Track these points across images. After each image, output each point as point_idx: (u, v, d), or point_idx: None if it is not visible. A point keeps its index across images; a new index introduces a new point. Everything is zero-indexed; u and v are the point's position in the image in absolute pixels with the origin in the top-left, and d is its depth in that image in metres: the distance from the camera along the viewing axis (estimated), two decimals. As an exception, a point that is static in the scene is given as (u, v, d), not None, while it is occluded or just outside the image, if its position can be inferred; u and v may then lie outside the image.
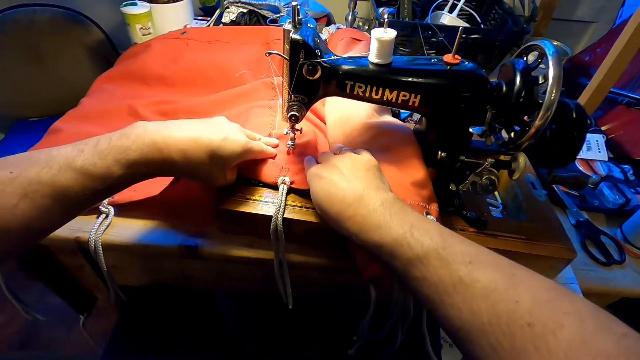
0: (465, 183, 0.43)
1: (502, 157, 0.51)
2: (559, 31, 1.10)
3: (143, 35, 0.79)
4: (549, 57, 0.38)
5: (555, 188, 0.57)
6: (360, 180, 0.36)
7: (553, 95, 0.37)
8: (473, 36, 0.81)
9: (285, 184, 0.46)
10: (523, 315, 0.25)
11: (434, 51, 0.81)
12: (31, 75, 1.08)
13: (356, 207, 0.34)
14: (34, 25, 1.04)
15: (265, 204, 0.45)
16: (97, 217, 0.47)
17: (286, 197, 0.45)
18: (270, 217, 0.43)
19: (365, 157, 0.40)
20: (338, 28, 0.90)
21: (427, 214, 0.42)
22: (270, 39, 0.79)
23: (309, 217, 0.44)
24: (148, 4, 0.78)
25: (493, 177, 0.42)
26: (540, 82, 0.39)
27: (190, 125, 0.38)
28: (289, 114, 0.43)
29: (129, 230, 0.47)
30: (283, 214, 0.43)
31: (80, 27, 1.06)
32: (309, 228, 0.44)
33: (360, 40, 0.77)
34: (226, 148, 0.39)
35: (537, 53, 0.41)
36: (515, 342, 0.24)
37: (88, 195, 0.32)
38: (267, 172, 0.47)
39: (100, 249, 0.45)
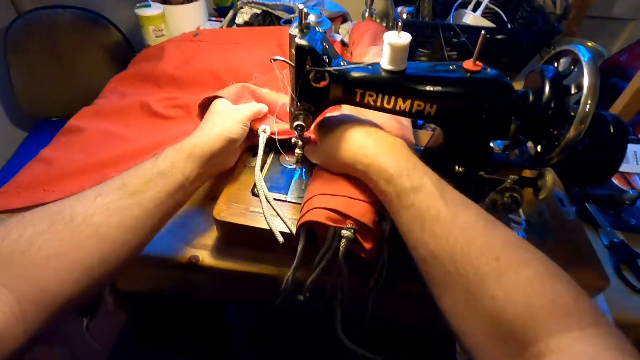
0: (484, 201, 0.39)
1: (527, 173, 0.47)
2: (593, 30, 1.03)
3: (156, 37, 0.78)
4: (584, 64, 0.34)
5: (587, 204, 0.53)
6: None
7: (588, 107, 0.33)
8: (498, 37, 0.76)
9: (265, 132, 0.48)
10: (493, 250, 0.28)
11: (455, 52, 0.77)
12: (53, 76, 1.10)
13: (373, 139, 0.38)
14: (55, 26, 1.06)
15: (268, 217, 0.43)
16: None
17: (264, 147, 0.48)
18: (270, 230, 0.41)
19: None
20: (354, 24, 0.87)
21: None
22: (284, 41, 0.76)
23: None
24: (162, 5, 0.77)
25: (516, 196, 0.38)
26: (572, 92, 0.35)
27: (211, 129, 0.44)
28: (295, 124, 0.40)
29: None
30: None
31: (100, 28, 1.07)
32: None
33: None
34: (241, 131, 0.46)
35: (570, 59, 0.37)
36: (479, 270, 0.28)
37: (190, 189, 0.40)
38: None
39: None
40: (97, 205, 0.33)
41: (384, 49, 0.37)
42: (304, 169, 0.51)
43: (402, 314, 0.52)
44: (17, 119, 1.25)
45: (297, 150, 0.47)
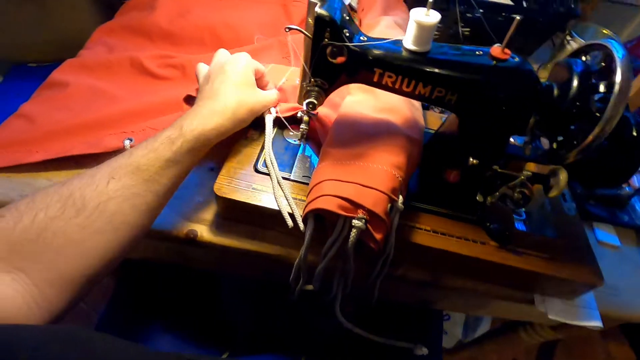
0: (494, 195, 0.38)
1: (532, 166, 0.46)
2: (605, 15, 0.99)
3: (148, -17, 0.70)
4: (618, 62, 0.32)
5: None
6: None
7: (618, 108, 0.31)
8: (513, 15, 0.72)
9: (271, 113, 0.47)
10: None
11: (468, 29, 0.73)
12: (29, 18, 1.00)
13: None
14: (30, -41, 0.94)
15: (270, 195, 0.41)
16: None
17: (272, 128, 0.46)
18: (273, 210, 0.40)
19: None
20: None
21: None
22: (289, 0, 0.71)
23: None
24: (155, -53, 0.69)
25: (527, 193, 0.37)
26: (601, 90, 0.34)
27: (233, 116, 0.41)
28: (306, 101, 0.38)
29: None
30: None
31: (81, -34, 0.96)
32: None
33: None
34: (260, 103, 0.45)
35: (601, 54, 0.35)
36: None
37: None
38: None
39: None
40: (110, 190, 0.32)
41: (409, 26, 0.34)
42: (307, 145, 0.49)
43: (397, 295, 0.53)
44: (-10, 62, 1.15)
45: (303, 126, 0.45)
